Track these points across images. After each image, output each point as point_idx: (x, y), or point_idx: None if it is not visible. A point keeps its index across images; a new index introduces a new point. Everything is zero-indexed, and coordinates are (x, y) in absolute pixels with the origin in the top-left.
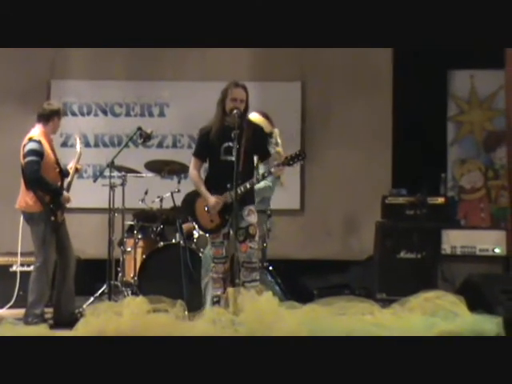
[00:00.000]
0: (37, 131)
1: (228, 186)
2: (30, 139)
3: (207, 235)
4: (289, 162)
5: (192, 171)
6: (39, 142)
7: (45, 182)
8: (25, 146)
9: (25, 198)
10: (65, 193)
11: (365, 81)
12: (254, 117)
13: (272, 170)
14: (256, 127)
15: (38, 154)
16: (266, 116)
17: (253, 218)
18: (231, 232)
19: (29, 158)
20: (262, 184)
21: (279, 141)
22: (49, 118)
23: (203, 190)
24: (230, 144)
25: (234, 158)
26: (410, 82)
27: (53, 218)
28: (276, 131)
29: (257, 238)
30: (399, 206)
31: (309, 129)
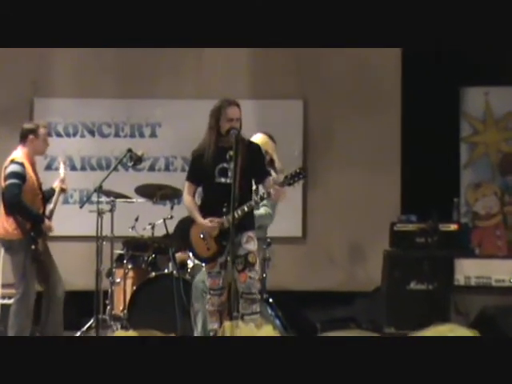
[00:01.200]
0: (19, 153)
1: (224, 209)
2: (12, 161)
3: (203, 265)
4: (289, 181)
5: (186, 196)
6: (21, 165)
7: (25, 207)
8: (6, 168)
9: (4, 225)
10: (46, 220)
11: (371, 97)
12: (259, 138)
13: (271, 190)
14: (252, 145)
15: (20, 176)
16: (271, 137)
17: (252, 245)
18: (229, 260)
19: (9, 181)
20: (262, 210)
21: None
22: (24, 137)
23: (197, 216)
24: (225, 165)
25: (229, 180)
26: (420, 100)
27: (33, 247)
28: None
29: (257, 267)
30: (409, 233)
31: (311, 150)
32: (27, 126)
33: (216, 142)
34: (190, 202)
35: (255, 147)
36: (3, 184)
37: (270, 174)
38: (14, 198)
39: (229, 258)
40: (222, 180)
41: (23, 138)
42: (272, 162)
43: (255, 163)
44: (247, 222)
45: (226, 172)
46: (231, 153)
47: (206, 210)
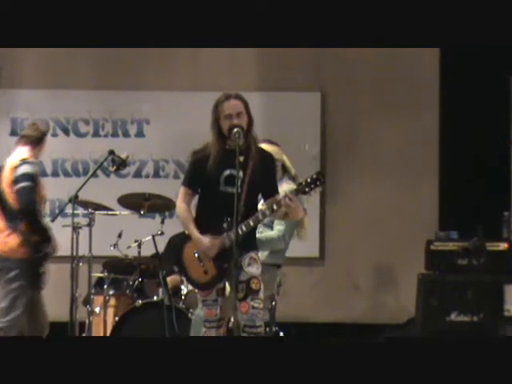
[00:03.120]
0: (26, 154)
1: (225, 225)
2: (24, 161)
3: (197, 291)
4: (304, 188)
5: (180, 205)
6: (34, 166)
7: (40, 218)
8: (16, 168)
9: (5, 239)
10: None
11: (402, 92)
12: (265, 147)
13: (282, 201)
14: (265, 153)
15: (34, 179)
16: (277, 145)
17: (255, 269)
18: (227, 287)
19: (24, 184)
20: (273, 233)
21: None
22: (40, 140)
23: (194, 230)
24: (233, 172)
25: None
26: (462, 95)
27: (42, 271)
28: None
29: (261, 295)
30: (449, 253)
31: (330, 152)
32: (44, 128)
33: (220, 143)
34: (185, 212)
35: (268, 156)
36: (14, 187)
37: (278, 193)
38: (31, 205)
39: (228, 285)
40: (229, 189)
41: (39, 140)
42: (284, 168)
43: (266, 174)
44: (249, 241)
45: (233, 180)
46: (241, 158)
47: (204, 223)
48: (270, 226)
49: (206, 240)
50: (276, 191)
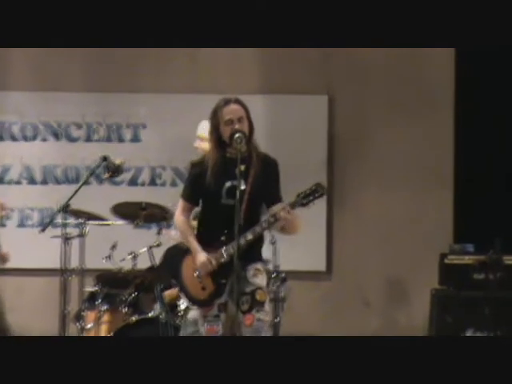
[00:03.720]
0: None
1: (223, 238)
2: None
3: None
4: (302, 200)
5: (179, 218)
6: None
7: None
8: None
9: None
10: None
11: (415, 95)
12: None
13: (282, 213)
14: (268, 160)
15: None
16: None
17: (260, 280)
18: (229, 300)
19: None
20: None
21: None
22: None
23: (193, 242)
24: (235, 183)
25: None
26: (479, 97)
27: None
28: None
29: (267, 307)
30: (464, 267)
31: (338, 157)
32: None
33: (219, 152)
34: (183, 223)
35: (271, 163)
36: None
37: (282, 200)
38: None
39: (230, 300)
40: (231, 202)
41: None
42: None
43: (268, 183)
44: (254, 252)
45: (235, 191)
46: (242, 167)
47: (206, 237)
48: None
49: (202, 255)
50: (278, 200)
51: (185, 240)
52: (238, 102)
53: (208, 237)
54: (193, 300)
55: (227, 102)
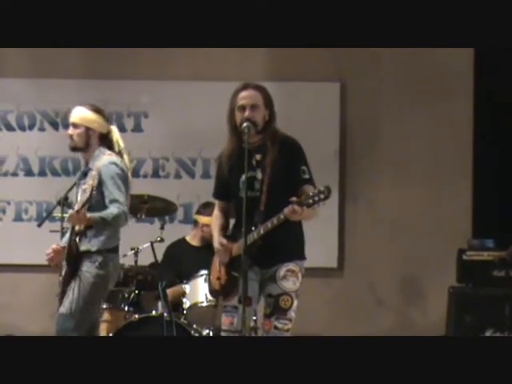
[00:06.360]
0: None
1: (243, 230)
2: None
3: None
4: (307, 201)
5: (215, 212)
6: None
7: None
8: None
9: None
10: None
11: (432, 81)
12: (83, 113)
13: (285, 211)
14: (288, 142)
15: None
16: (98, 111)
17: (291, 283)
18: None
19: None
20: (114, 209)
21: None
22: None
23: (215, 230)
24: (252, 173)
25: (257, 193)
26: (499, 86)
27: None
28: None
29: (292, 314)
30: (483, 264)
31: (350, 150)
32: None
33: (236, 140)
34: (214, 217)
35: (290, 145)
36: None
37: (312, 183)
38: None
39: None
40: (250, 194)
41: None
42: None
43: (290, 167)
44: (289, 248)
45: (253, 183)
46: (258, 157)
47: (234, 231)
48: None
49: (217, 243)
50: (304, 182)
51: (212, 230)
52: (256, 88)
53: (235, 231)
54: (210, 290)
55: (245, 86)
